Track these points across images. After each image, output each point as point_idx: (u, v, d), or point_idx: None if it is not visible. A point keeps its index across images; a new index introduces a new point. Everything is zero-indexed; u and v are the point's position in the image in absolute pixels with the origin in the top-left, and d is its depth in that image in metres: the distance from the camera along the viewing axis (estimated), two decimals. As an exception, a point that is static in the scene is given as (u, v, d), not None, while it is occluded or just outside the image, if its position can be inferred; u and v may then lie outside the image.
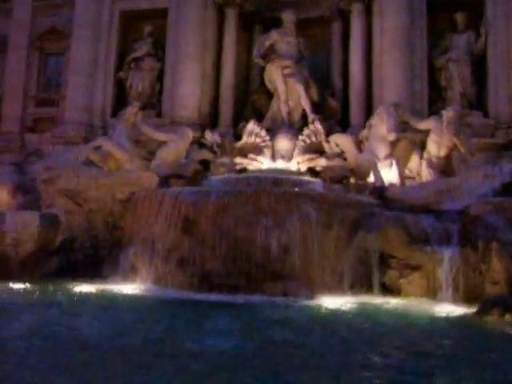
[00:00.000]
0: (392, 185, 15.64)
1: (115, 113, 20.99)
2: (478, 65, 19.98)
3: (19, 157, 21.51)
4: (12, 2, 24.30)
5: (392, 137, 16.58)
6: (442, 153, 16.50)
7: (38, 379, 5.80)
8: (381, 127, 16.74)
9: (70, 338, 7.77)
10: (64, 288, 12.30)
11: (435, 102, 19.61)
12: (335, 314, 10.37)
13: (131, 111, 18.07)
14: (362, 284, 12.34)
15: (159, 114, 21.00)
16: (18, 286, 12.49)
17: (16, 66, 23.63)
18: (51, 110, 23.35)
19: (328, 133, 18.54)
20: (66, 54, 23.04)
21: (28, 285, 12.57)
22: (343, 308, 10.79)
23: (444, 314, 10.42)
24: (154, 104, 21.43)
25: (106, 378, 5.96)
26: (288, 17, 20.71)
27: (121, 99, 21.72)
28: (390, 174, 16.14)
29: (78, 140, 20.21)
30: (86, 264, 14.04)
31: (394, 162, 16.31)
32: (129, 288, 12.39)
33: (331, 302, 11.22)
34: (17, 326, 8.36)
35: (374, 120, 17.13)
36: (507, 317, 9.89)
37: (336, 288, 12.08)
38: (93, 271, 13.55)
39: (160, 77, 21.66)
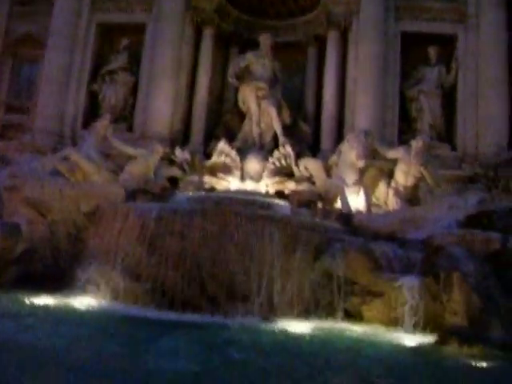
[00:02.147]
0: (358, 212, 15.74)
1: (86, 124, 20.79)
2: (448, 98, 20.42)
3: (-16, 163, 21.10)
4: (-13, 6, 24.07)
5: (361, 164, 16.72)
6: (409, 182, 16.71)
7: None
8: (350, 154, 16.87)
9: (18, 351, 7.56)
10: (20, 299, 11.97)
11: (405, 132, 19.92)
12: (293, 338, 10.33)
13: (102, 123, 17.92)
14: (324, 309, 12.29)
15: (131, 128, 20.88)
16: (-29, 294, 12.15)
17: (-13, 72, 23.32)
18: (21, 118, 23.01)
19: (298, 156, 18.64)
20: (40, 62, 22.79)
21: (-17, 294, 12.23)
22: (302, 332, 10.74)
23: (402, 343, 10.44)
24: (125, 118, 21.30)
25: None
26: (265, 39, 20.89)
27: (93, 111, 21.55)
28: (357, 201, 16.25)
29: (46, 149, 19.87)
30: (45, 275, 13.70)
31: (361, 189, 16.44)
32: (87, 302, 12.13)
33: (291, 325, 11.15)
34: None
35: (344, 146, 17.27)
36: (465, 348, 9.97)
37: (298, 312, 12.01)
38: (52, 283, 13.21)
39: (134, 91, 21.58)
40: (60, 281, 13.30)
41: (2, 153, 21.59)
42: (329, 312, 12.23)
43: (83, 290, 12.80)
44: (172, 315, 11.45)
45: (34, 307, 11.42)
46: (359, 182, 16.65)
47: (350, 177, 16.71)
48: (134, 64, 21.82)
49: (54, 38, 21.82)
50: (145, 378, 6.67)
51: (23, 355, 7.34)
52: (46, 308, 11.40)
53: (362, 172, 16.83)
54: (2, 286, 13.14)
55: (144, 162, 17.34)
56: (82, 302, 12.08)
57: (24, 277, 13.66)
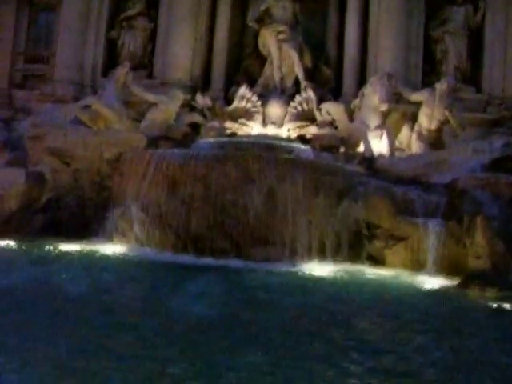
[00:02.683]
0: (381, 155, 15.60)
1: (106, 72, 20.67)
2: (475, 39, 19.82)
3: (7, 113, 21.16)
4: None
5: (384, 107, 16.48)
6: (433, 126, 16.46)
7: (15, 333, 5.77)
8: (373, 97, 16.61)
9: (51, 294, 7.77)
10: (48, 246, 12.26)
11: (429, 75, 19.45)
12: (316, 281, 10.44)
13: (122, 71, 17.79)
14: (346, 252, 12.38)
15: (150, 75, 20.70)
16: (1, 243, 12.41)
17: (5, 20, 23.09)
18: (41, 67, 22.92)
19: (320, 101, 18.37)
20: (57, 10, 22.53)
21: (12, 242, 12.50)
22: (325, 275, 10.87)
23: (426, 286, 10.50)
24: (145, 64, 21.09)
25: (83, 332, 5.95)
26: (285, -19, 20.33)
27: (112, 59, 21.35)
28: (379, 145, 16.08)
29: (67, 98, 19.89)
30: (71, 223, 13.96)
31: (384, 133, 16.23)
32: (113, 248, 12.38)
33: (314, 268, 11.28)
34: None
35: (367, 90, 16.99)
36: (487, 290, 10.03)
37: (320, 255, 12.13)
38: (78, 230, 13.48)
39: (152, 37, 21.28)
40: (86, 228, 13.55)
41: (24, 103, 21.71)
42: (352, 256, 12.32)
43: (109, 237, 13.04)
44: (196, 259, 11.64)
45: (60, 254, 11.69)
46: (382, 125, 16.42)
47: (373, 120, 16.48)
48: (152, 9, 21.45)
49: (70, -15, 21.49)
50: (173, 320, 6.81)
51: (51, 298, 7.54)
52: (72, 255, 11.66)
53: (384, 115, 16.59)
54: (29, 233, 13.43)
55: (165, 109, 17.26)
56: (108, 248, 12.31)
57: (50, 225, 13.94)
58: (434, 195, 12.81)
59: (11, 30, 23.06)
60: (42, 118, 17.32)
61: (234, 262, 11.51)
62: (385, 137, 16.09)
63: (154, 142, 15.24)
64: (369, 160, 15.02)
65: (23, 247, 12.24)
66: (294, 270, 11.29)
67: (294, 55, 19.34)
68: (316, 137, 17.17)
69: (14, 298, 7.36)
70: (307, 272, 11.05)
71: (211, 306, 7.55)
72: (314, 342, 6.17)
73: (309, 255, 12.06)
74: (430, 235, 11.99)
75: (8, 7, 23.09)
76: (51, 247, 12.21)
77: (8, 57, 23.01)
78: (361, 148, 16.33)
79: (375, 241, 12.51)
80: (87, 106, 17.14)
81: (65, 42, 21.28)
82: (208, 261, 11.50)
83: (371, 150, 15.86)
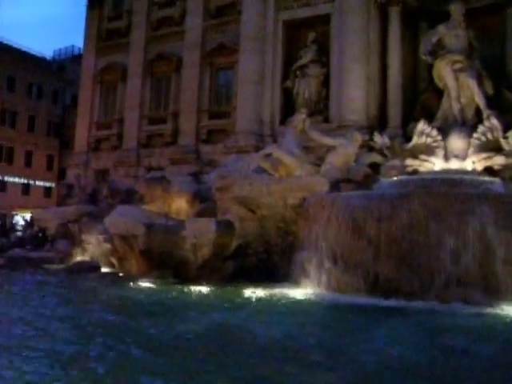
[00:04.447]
0: None
1: (283, 121, 21.53)
2: None
3: (195, 167, 22.93)
4: (184, 24, 26.12)
5: None
6: None
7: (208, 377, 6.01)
8: None
9: (239, 338, 8.04)
10: (239, 291, 12.76)
11: None
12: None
13: (299, 118, 18.38)
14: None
15: (326, 119, 21.16)
16: (196, 288, 13.22)
17: (190, 82, 25.33)
18: (223, 122, 24.66)
19: (505, 128, 17.29)
20: (235, 68, 24.17)
21: (206, 287, 13.25)
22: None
23: None
24: (320, 109, 21.64)
25: (270, 377, 6.04)
26: (456, 8, 19.68)
27: (288, 107, 22.22)
28: None
29: (248, 149, 21.01)
30: (259, 268, 14.48)
31: None
32: (300, 292, 12.54)
33: (514, 310, 10.40)
34: (193, 326, 8.80)
35: (561, 111, 15.69)
36: None
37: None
38: (266, 275, 13.92)
39: (325, 82, 21.83)
40: (273, 273, 13.95)
41: (210, 156, 23.34)
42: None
43: (296, 281, 13.25)
44: (384, 302, 11.37)
45: (249, 299, 12.09)
46: None
47: None
48: (323, 56, 22.11)
49: (244, 43, 23.01)
50: (362, 365, 6.68)
51: (240, 342, 7.81)
52: (260, 299, 11.98)
53: None
54: (221, 279, 14.21)
55: (344, 152, 17.39)
56: (295, 292, 12.50)
57: (240, 270, 14.61)
58: None
59: (195, 90, 25.26)
60: (228, 170, 18.35)
61: (425, 304, 11.04)
62: None
63: (335, 185, 15.36)
64: None
65: (216, 292, 12.89)
66: (491, 311, 10.49)
67: (473, 84, 18.53)
68: (505, 167, 16.11)
69: (205, 342, 7.73)
70: (505, 314, 10.21)
71: (403, 352, 7.29)
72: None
73: (506, 295, 11.15)
74: None
75: (192, 71, 25.30)
76: (241, 292, 12.70)
77: (194, 115, 25.13)
78: (558, 175, 15.02)
79: None
80: (268, 155, 17.84)
81: (243, 96, 22.68)
82: (397, 303, 11.17)
83: None
